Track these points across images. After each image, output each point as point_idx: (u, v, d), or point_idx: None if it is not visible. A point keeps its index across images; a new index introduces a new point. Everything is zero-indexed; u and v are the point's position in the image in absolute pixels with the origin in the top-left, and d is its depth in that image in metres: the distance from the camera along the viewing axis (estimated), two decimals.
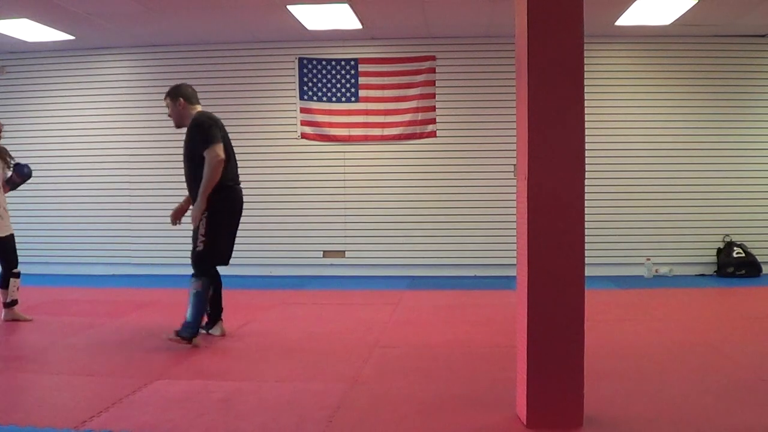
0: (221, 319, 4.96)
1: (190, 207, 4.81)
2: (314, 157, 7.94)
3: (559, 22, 3.00)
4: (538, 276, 3.04)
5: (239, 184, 4.93)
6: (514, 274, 3.31)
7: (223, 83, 7.95)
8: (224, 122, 8.35)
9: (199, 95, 7.89)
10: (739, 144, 7.65)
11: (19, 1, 6.13)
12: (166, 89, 7.91)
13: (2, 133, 5.47)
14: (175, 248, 8.12)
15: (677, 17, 6.76)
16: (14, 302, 5.42)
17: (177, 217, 5.00)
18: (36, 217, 8.01)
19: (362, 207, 7.92)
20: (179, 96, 4.84)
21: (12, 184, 5.53)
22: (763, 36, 7.53)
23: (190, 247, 4.72)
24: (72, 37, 7.45)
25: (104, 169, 8.13)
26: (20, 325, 5.33)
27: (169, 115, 4.91)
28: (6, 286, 5.36)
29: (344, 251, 7.98)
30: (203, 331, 4.83)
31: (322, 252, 7.99)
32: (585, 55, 3.05)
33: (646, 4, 6.36)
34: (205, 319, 4.83)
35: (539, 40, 3.00)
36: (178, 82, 7.84)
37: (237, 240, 8.27)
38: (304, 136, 7.94)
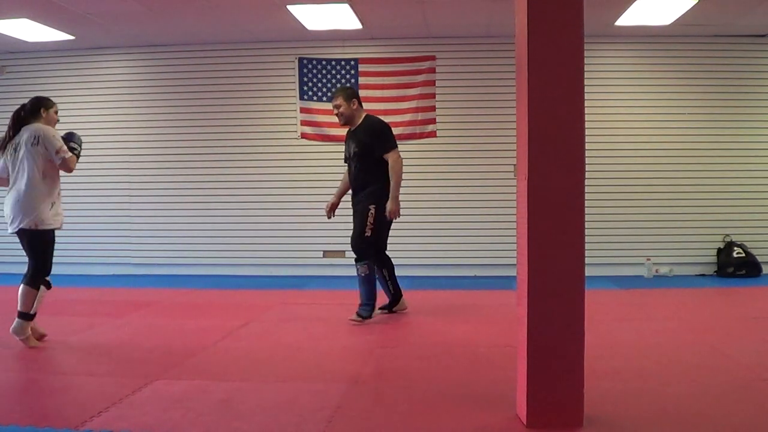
0: (402, 296, 5.64)
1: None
2: (314, 157, 7.93)
3: (559, 22, 3.00)
4: (538, 276, 3.04)
5: None
6: (514, 274, 3.31)
7: (223, 83, 7.95)
8: (224, 122, 8.41)
9: (200, 95, 8.04)
10: (739, 144, 7.65)
11: (19, 1, 6.13)
12: (166, 89, 8.06)
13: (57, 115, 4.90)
14: (175, 248, 8.13)
15: (677, 17, 6.76)
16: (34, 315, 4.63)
17: (332, 210, 5.60)
18: None
19: None
20: (354, 97, 5.39)
21: (73, 150, 4.78)
22: (763, 36, 7.53)
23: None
24: (72, 37, 7.45)
25: (104, 169, 8.12)
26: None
27: (340, 114, 5.37)
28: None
29: (344, 251, 7.96)
30: (385, 311, 5.55)
31: (322, 252, 7.99)
32: (585, 55, 3.05)
33: (646, 4, 6.36)
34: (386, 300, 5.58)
35: (539, 40, 3.00)
36: (179, 83, 8.02)
37: (236, 239, 8.30)
38: (304, 136, 7.93)
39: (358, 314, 5.26)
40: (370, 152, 5.26)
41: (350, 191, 5.55)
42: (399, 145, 7.91)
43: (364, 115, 5.39)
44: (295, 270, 7.97)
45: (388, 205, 5.24)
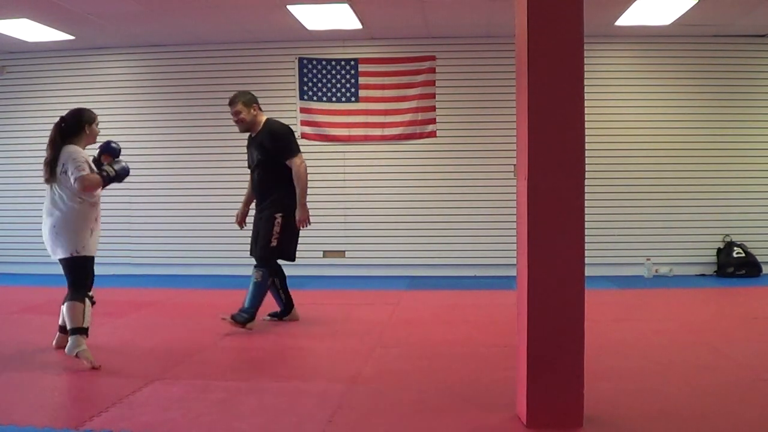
0: (294, 306, 5.42)
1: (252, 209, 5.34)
2: (314, 157, 7.90)
3: (559, 22, 3.00)
4: (538, 276, 3.04)
5: None
6: (514, 274, 3.31)
7: (223, 83, 7.93)
8: (224, 122, 8.36)
9: (200, 95, 8.04)
10: (739, 144, 7.65)
11: (19, 1, 6.13)
12: (166, 89, 8.06)
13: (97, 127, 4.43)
14: (175, 248, 8.13)
15: (677, 17, 6.76)
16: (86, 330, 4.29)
17: (242, 221, 5.42)
18: (36, 216, 7.99)
19: (362, 207, 7.92)
20: (254, 102, 5.10)
21: (101, 172, 4.37)
22: (763, 36, 7.53)
23: (248, 242, 5.31)
24: (72, 37, 7.45)
25: None
26: (21, 325, 5.33)
27: (240, 120, 5.10)
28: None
29: (344, 251, 7.98)
30: (275, 319, 5.37)
31: (322, 252, 7.99)
32: (585, 55, 3.05)
33: (646, 4, 6.36)
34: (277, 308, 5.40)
35: (539, 40, 3.00)
36: (179, 83, 8.02)
37: (237, 239, 8.25)
38: (304, 136, 7.93)
39: (233, 317, 4.92)
40: (273, 159, 5.00)
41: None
42: (398, 145, 7.99)
43: (264, 120, 5.14)
44: (295, 270, 7.92)
45: (297, 213, 5.00)
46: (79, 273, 4.37)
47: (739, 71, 7.60)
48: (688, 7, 6.42)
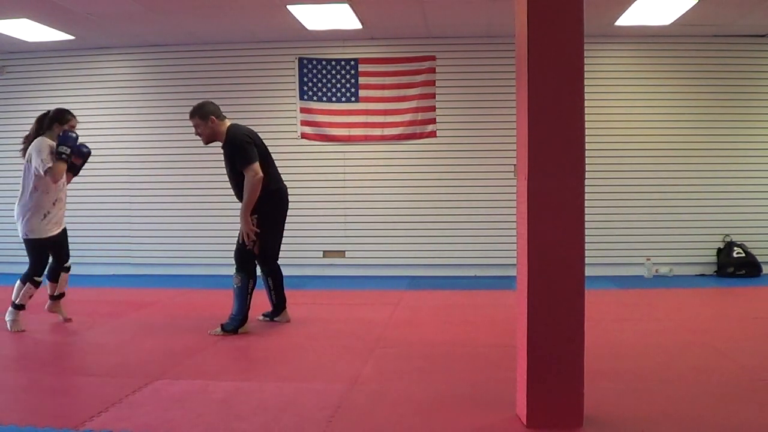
0: (285, 308, 5.45)
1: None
2: (314, 157, 7.93)
3: (559, 22, 3.00)
4: (538, 276, 3.04)
5: (282, 182, 5.35)
6: (514, 274, 3.31)
7: (223, 83, 7.95)
8: None
9: (200, 95, 7.96)
10: (739, 144, 7.65)
11: (19, 1, 6.14)
12: (166, 89, 8.07)
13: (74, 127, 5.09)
14: (175, 248, 8.13)
15: (677, 17, 6.76)
16: (62, 295, 5.37)
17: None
18: None
19: (362, 207, 7.92)
20: (210, 114, 5.01)
21: (74, 169, 5.27)
22: (763, 36, 7.53)
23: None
24: (72, 37, 7.45)
25: (104, 169, 8.11)
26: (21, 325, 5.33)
27: (199, 134, 5.08)
28: (56, 280, 5.31)
29: (344, 251, 7.98)
30: (267, 319, 5.42)
31: (322, 252, 7.99)
32: (585, 55, 3.05)
33: (646, 4, 6.36)
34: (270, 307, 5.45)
35: (539, 40, 3.01)
36: (179, 83, 8.03)
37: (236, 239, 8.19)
38: (304, 136, 7.94)
39: (222, 327, 4.97)
40: (236, 168, 4.98)
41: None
42: (398, 145, 7.98)
43: (227, 127, 5.03)
44: (295, 270, 7.94)
45: (241, 227, 4.96)
46: (32, 253, 5.06)
47: (739, 71, 7.60)
48: (688, 7, 6.42)
